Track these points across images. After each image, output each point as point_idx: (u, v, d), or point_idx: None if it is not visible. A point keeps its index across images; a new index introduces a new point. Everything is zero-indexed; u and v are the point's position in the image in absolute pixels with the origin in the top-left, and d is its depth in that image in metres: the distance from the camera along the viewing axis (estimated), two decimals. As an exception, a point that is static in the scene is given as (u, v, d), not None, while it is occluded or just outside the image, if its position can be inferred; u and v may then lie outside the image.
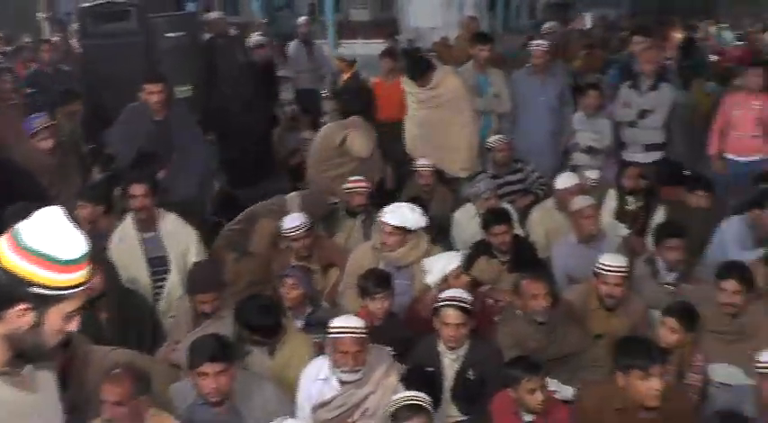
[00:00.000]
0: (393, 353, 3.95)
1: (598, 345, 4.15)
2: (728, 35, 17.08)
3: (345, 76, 8.81)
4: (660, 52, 7.01)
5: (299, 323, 4.38)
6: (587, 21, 18.53)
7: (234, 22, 13.24)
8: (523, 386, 3.38)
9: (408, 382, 3.69)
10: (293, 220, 5.05)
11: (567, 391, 3.73)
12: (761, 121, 6.15)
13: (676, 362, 3.84)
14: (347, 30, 19.09)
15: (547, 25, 9.94)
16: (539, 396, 3.39)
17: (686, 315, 3.83)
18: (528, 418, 3.48)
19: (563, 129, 6.90)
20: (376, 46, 15.13)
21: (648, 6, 23.85)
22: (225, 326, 4.02)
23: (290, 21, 14.50)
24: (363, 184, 5.70)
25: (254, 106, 7.55)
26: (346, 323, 3.54)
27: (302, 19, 10.17)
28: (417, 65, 6.60)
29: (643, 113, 6.40)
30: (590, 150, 6.82)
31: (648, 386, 3.13)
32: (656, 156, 6.54)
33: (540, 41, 7.06)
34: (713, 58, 14.12)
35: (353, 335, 3.48)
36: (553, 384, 3.70)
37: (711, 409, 3.62)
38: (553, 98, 6.73)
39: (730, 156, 6.29)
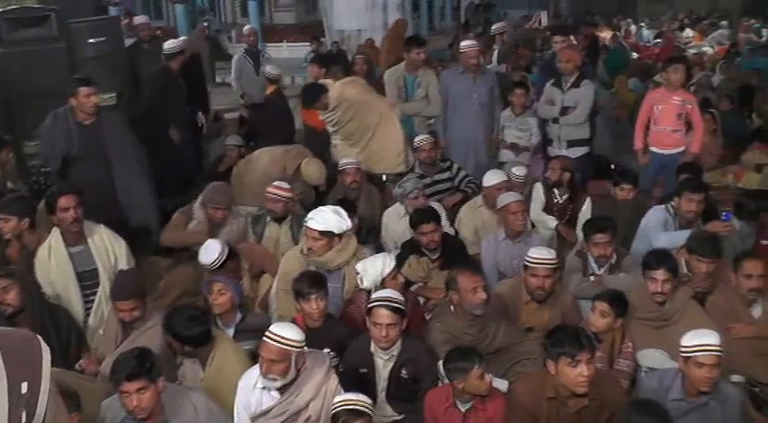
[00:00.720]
0: (333, 355, 3.93)
1: (530, 337, 4.22)
2: (647, 33, 17.64)
3: (268, 91, 8.62)
4: (579, 51, 7.10)
5: (230, 331, 4.30)
6: (544, 19, 18.77)
7: (158, 26, 13.04)
8: (473, 374, 3.42)
9: (343, 384, 3.64)
10: (210, 254, 4.77)
11: (501, 385, 3.75)
12: (681, 116, 6.34)
13: (607, 349, 3.93)
14: (272, 33, 19.00)
15: (497, 26, 10.04)
16: (487, 378, 3.47)
17: (616, 300, 3.93)
18: (464, 408, 3.53)
19: (495, 126, 7.00)
20: (301, 49, 15.16)
21: (573, 7, 24.48)
22: (153, 337, 3.91)
23: (213, 25, 14.31)
24: (283, 191, 5.52)
25: (177, 113, 7.37)
26: (277, 331, 3.47)
27: (248, 28, 9.64)
28: (308, 93, 6.69)
29: (565, 110, 6.51)
30: (516, 147, 6.94)
31: (577, 373, 3.17)
32: (581, 151, 6.68)
33: (471, 42, 7.04)
34: (634, 55, 14.60)
35: (277, 344, 3.40)
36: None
37: (640, 394, 3.69)
38: (484, 96, 6.78)
39: (654, 149, 6.45)
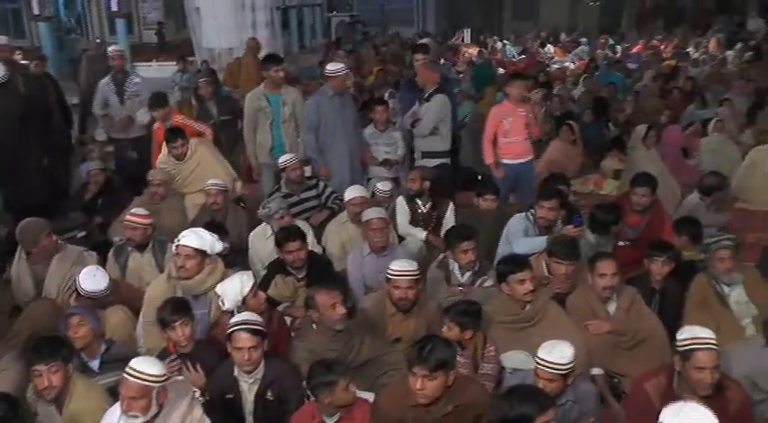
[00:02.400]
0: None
1: (396, 349, 4.24)
2: (512, 49, 18.31)
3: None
4: (437, 67, 7.27)
5: (95, 363, 4.10)
6: (467, 36, 19.06)
7: (18, 46, 12.36)
8: (340, 387, 3.40)
9: (209, 412, 3.56)
10: (98, 282, 4.58)
11: (368, 398, 3.72)
12: (528, 126, 6.61)
13: (470, 355, 4.00)
14: (140, 52, 18.42)
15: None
16: (352, 388, 3.47)
17: (462, 314, 3.98)
18: (332, 421, 3.50)
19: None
20: (170, 68, 14.78)
21: (440, 25, 25.16)
22: (8, 381, 3.71)
23: (79, 44, 13.71)
24: (140, 219, 5.29)
25: (29, 139, 6.97)
26: (137, 366, 3.31)
27: (112, 49, 8.38)
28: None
29: (414, 123, 6.64)
30: (386, 162, 7.00)
31: (412, 383, 3.24)
32: (435, 162, 6.76)
33: (340, 65, 6.87)
34: (501, 70, 15.12)
35: (137, 380, 3.26)
36: (353, 392, 3.69)
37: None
38: (353, 117, 6.79)
39: (507, 160, 6.64)
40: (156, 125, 7.28)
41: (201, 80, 8.31)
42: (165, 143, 6.61)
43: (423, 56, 7.48)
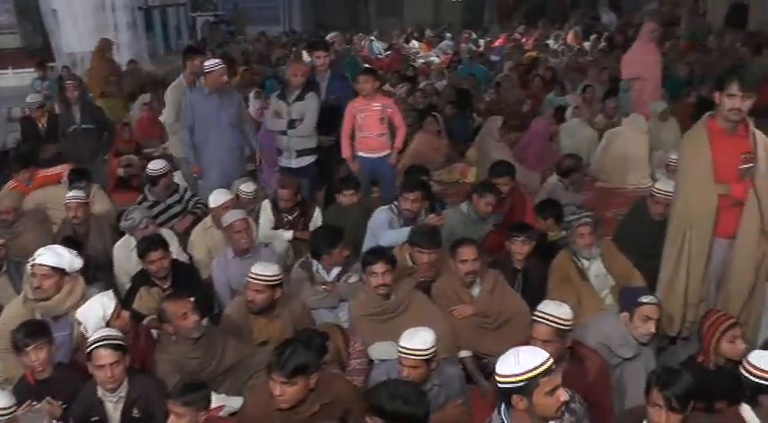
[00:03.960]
0: (64, 405, 3.67)
1: (264, 351, 4.14)
2: (378, 46, 18.47)
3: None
4: (305, 65, 7.15)
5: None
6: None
7: None
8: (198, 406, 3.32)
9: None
10: None
11: (235, 402, 3.68)
12: (384, 120, 6.64)
13: (334, 354, 4.04)
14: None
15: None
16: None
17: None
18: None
19: (253, 144, 6.96)
20: (28, 75, 14.01)
21: (307, 23, 25.09)
22: None
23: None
24: None
25: None
26: None
27: None
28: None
29: (293, 122, 6.57)
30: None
31: (272, 389, 3.23)
32: (309, 160, 6.74)
33: (216, 60, 6.71)
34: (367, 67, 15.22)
35: None
36: (219, 399, 3.65)
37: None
38: (233, 116, 6.61)
39: (362, 154, 6.68)
40: None
41: (69, 82, 7.97)
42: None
43: (325, 53, 7.35)
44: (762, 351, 3.21)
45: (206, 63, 6.58)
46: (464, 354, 4.44)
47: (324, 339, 4.04)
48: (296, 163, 6.65)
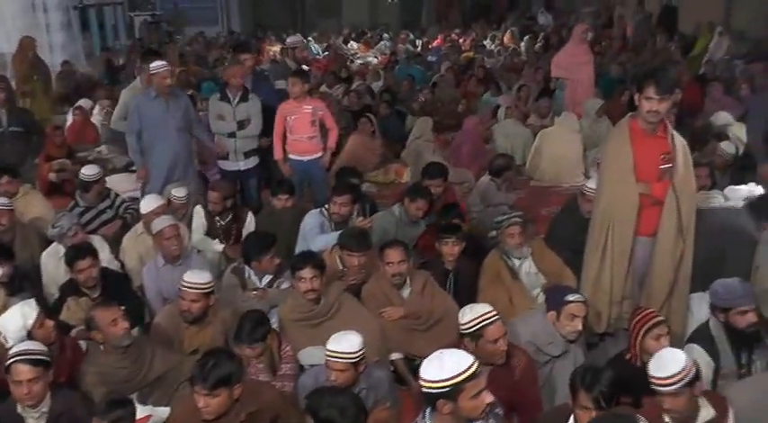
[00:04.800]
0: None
1: (193, 360, 4.03)
2: (316, 47, 18.44)
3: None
4: (244, 67, 7.10)
5: None
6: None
7: None
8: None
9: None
10: None
11: (162, 413, 3.64)
12: (315, 122, 6.63)
13: (267, 358, 3.99)
14: None
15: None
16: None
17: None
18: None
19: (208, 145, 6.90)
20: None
21: (245, 23, 24.89)
22: None
23: None
24: None
25: None
26: None
27: None
28: None
29: (241, 124, 6.52)
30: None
31: (196, 400, 3.20)
32: (255, 161, 6.75)
33: (162, 62, 6.60)
34: (305, 67, 15.16)
35: None
36: (146, 410, 3.61)
37: (300, 392, 3.79)
38: (180, 120, 6.53)
39: (294, 157, 6.67)
40: None
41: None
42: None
43: (251, 55, 7.39)
44: (661, 356, 3.27)
45: (151, 65, 6.52)
46: (395, 356, 4.48)
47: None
48: (244, 164, 6.66)
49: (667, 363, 3.14)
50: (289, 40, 9.59)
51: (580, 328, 3.94)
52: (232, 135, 6.59)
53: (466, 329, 3.53)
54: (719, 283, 3.95)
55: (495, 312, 3.57)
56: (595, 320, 4.42)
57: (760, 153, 6.04)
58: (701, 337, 3.97)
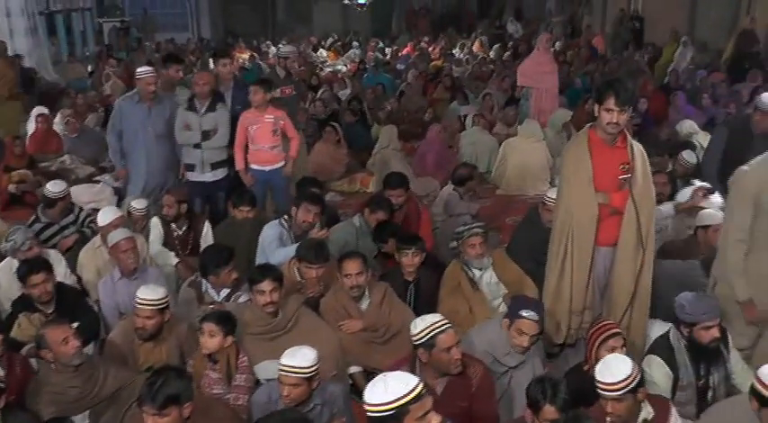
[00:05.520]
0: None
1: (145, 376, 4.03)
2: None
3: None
4: (212, 74, 7.03)
5: None
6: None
7: None
8: None
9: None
10: None
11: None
12: (276, 132, 6.56)
13: (223, 367, 3.95)
14: None
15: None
16: None
17: (224, 319, 3.94)
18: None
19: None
20: None
21: (216, 30, 24.78)
22: None
23: None
24: None
25: None
26: None
27: None
28: None
29: (206, 134, 6.43)
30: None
31: (145, 419, 3.14)
32: (223, 173, 6.65)
33: (148, 67, 6.59)
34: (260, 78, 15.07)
35: None
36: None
37: (253, 408, 3.78)
38: (161, 128, 6.48)
39: (255, 167, 6.58)
40: None
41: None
42: None
43: (228, 61, 7.30)
44: (608, 362, 3.34)
45: (137, 70, 6.59)
46: (354, 369, 4.46)
47: None
48: (211, 176, 6.55)
49: (613, 369, 3.25)
50: (282, 49, 9.49)
51: (525, 344, 3.93)
52: (198, 146, 6.48)
53: (418, 340, 3.50)
54: (685, 299, 3.97)
55: (445, 321, 3.56)
56: (554, 331, 4.44)
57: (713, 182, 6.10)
58: (662, 348, 4.00)
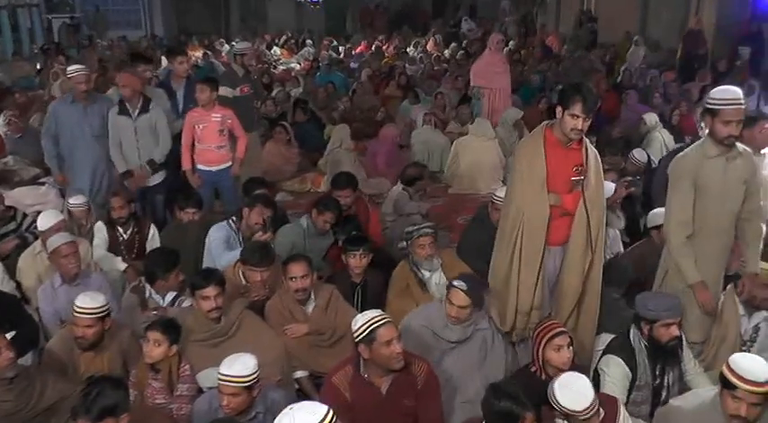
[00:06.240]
0: None
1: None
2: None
3: None
4: (141, 77, 6.86)
5: None
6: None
7: None
8: None
9: None
10: None
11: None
12: (223, 131, 6.45)
13: (165, 378, 3.87)
14: None
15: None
16: None
17: (169, 328, 3.88)
18: None
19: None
20: None
21: (169, 28, 24.45)
22: None
23: None
24: None
25: None
26: None
27: None
28: None
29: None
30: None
31: None
32: (161, 177, 6.52)
33: (78, 66, 6.38)
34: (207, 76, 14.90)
35: None
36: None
37: (194, 417, 3.70)
38: (98, 127, 6.32)
39: (202, 167, 6.47)
40: None
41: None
42: None
43: (183, 58, 7.17)
44: (569, 387, 3.33)
45: (68, 69, 6.43)
46: (299, 374, 4.41)
47: None
48: (152, 179, 6.43)
49: (578, 396, 3.26)
50: (237, 46, 9.32)
51: (453, 314, 4.07)
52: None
53: (358, 335, 3.46)
54: (647, 296, 4.02)
55: (385, 315, 3.54)
56: (500, 320, 4.46)
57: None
58: (622, 348, 3.98)
